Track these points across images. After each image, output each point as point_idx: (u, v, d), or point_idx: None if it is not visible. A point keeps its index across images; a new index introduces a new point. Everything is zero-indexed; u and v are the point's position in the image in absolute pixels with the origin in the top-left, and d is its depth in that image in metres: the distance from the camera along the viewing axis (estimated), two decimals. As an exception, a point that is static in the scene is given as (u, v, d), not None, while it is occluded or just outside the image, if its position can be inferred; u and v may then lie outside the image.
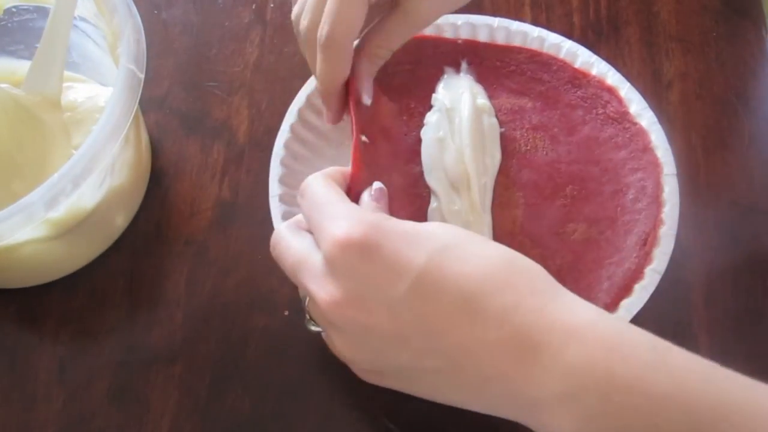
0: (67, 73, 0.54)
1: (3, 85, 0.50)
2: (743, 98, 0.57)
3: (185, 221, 0.53)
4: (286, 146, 0.52)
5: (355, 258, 0.35)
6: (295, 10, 0.47)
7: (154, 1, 0.61)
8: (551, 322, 0.34)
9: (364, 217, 0.36)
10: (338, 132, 0.54)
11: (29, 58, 0.50)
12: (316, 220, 0.38)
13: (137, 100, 0.45)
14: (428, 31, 0.56)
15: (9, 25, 0.54)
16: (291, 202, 0.51)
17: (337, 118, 0.48)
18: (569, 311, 0.34)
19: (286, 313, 0.50)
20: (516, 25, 0.55)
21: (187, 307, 0.51)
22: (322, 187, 0.39)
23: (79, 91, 0.54)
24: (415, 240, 0.35)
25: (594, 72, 0.54)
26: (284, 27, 0.60)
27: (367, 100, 0.47)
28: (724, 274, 0.51)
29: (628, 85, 0.54)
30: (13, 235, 0.41)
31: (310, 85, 0.54)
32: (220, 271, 0.52)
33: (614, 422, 0.32)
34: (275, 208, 0.50)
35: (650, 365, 0.32)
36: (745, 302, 0.50)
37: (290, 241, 0.39)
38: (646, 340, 0.34)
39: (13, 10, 0.53)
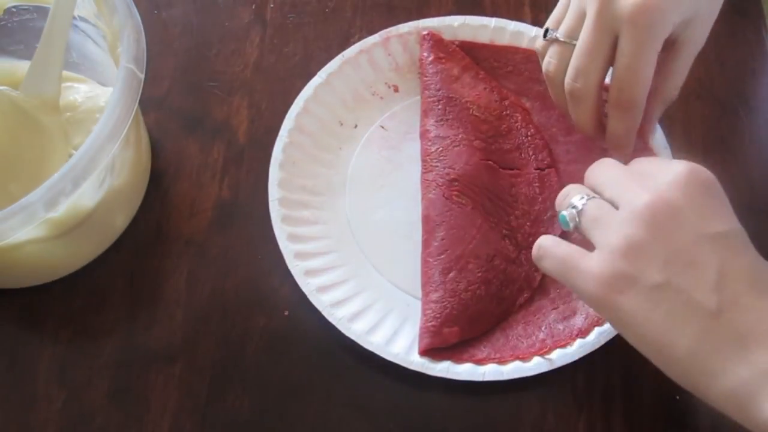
0: (67, 73, 0.54)
1: (1, 88, 0.50)
2: (743, 98, 0.57)
3: (185, 221, 0.53)
4: (285, 151, 0.53)
5: (697, 183, 0.39)
6: (551, 66, 0.47)
7: (154, 1, 0.61)
8: None
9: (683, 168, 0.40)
10: (334, 138, 0.55)
11: (29, 58, 0.50)
12: (650, 162, 0.41)
13: (137, 100, 0.45)
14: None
15: (9, 25, 0.54)
16: (290, 205, 0.52)
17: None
18: None
19: (286, 313, 0.50)
20: (513, 26, 0.56)
21: (187, 307, 0.51)
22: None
23: (79, 91, 0.54)
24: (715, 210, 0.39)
25: None
26: (284, 27, 0.60)
27: (652, 140, 0.49)
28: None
29: None
30: (13, 235, 0.41)
31: (308, 91, 0.55)
32: (220, 271, 0.52)
33: None
34: (275, 211, 0.51)
35: None
36: (745, 302, 0.50)
37: (613, 164, 0.42)
38: None
39: (13, 10, 0.53)
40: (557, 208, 0.44)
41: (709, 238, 0.37)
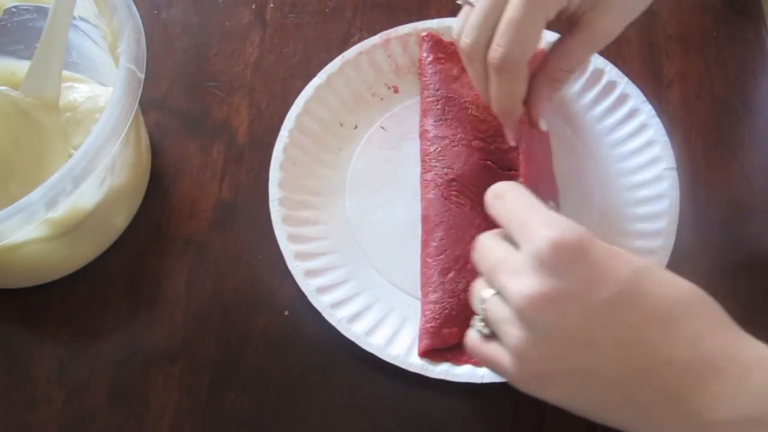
0: (67, 73, 0.54)
1: (1, 88, 0.50)
2: (743, 98, 0.57)
3: (185, 221, 0.53)
4: (285, 151, 0.53)
5: (564, 258, 0.36)
6: (457, 26, 0.46)
7: (154, 1, 0.61)
8: (737, 353, 0.35)
9: (574, 225, 0.37)
10: (335, 139, 0.55)
11: (29, 58, 0.50)
12: (522, 221, 0.38)
13: (137, 100, 0.45)
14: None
15: (9, 25, 0.54)
16: (290, 206, 0.51)
17: (518, 137, 0.48)
18: (751, 346, 0.36)
19: (286, 313, 0.50)
20: None
21: (187, 307, 0.51)
22: (524, 193, 0.40)
23: (79, 91, 0.54)
24: (619, 256, 0.37)
25: (592, 67, 0.55)
26: (284, 27, 0.60)
27: (543, 125, 0.47)
28: (724, 274, 0.51)
29: (626, 79, 0.54)
30: (13, 235, 0.41)
31: (309, 91, 0.55)
32: (220, 271, 0.52)
33: None
34: (275, 212, 0.51)
35: None
36: (745, 302, 0.50)
37: (493, 245, 0.40)
38: None
39: (13, 10, 0.53)
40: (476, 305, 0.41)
41: (598, 309, 0.35)
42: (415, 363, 0.47)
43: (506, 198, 0.40)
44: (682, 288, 0.37)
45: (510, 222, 0.39)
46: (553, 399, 0.38)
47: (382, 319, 0.49)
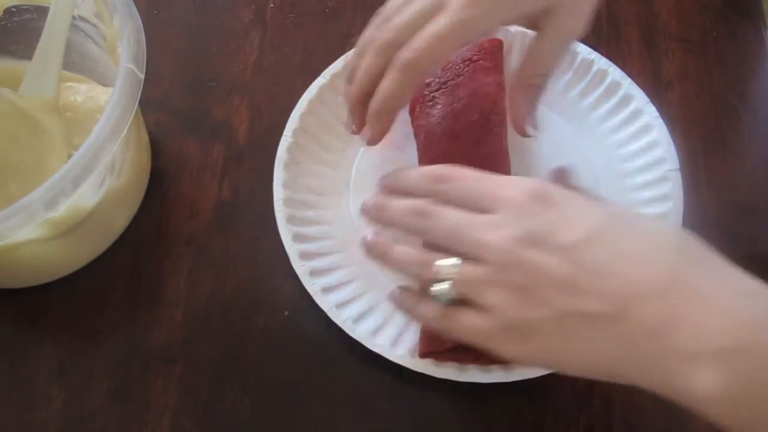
0: (67, 73, 0.54)
1: (0, 89, 0.50)
2: (743, 98, 0.57)
3: (185, 221, 0.53)
4: (289, 151, 0.53)
5: (537, 204, 0.37)
6: (382, 15, 0.47)
7: (154, 1, 0.61)
8: (718, 285, 0.35)
9: (538, 180, 0.39)
10: (338, 139, 0.55)
11: (29, 58, 0.50)
12: (483, 189, 0.40)
13: (137, 100, 0.45)
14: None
15: (9, 25, 0.54)
16: (294, 206, 0.51)
17: (374, 139, 0.47)
18: (735, 278, 0.36)
19: (286, 313, 0.50)
20: (514, 26, 0.55)
21: (187, 307, 0.51)
22: (468, 169, 0.41)
23: (79, 91, 0.54)
24: (590, 201, 0.38)
25: (595, 68, 0.55)
26: (284, 27, 0.60)
27: (532, 131, 0.47)
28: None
29: (629, 80, 0.54)
30: (12, 235, 0.41)
31: (312, 91, 0.55)
32: (220, 271, 0.52)
33: None
34: (279, 211, 0.51)
35: None
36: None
37: (442, 211, 0.40)
38: None
39: (13, 10, 0.53)
40: (421, 278, 0.41)
41: (577, 247, 0.36)
42: (420, 363, 0.47)
43: (454, 175, 0.41)
44: (661, 229, 0.38)
45: (467, 194, 0.40)
46: (536, 352, 0.38)
47: (387, 319, 0.49)
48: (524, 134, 0.47)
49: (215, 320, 0.50)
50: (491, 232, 0.38)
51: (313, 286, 0.49)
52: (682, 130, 0.55)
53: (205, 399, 0.48)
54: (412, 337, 0.48)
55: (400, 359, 0.47)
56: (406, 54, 0.43)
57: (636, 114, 0.53)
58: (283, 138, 0.53)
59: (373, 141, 0.48)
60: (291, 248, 0.50)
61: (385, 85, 0.45)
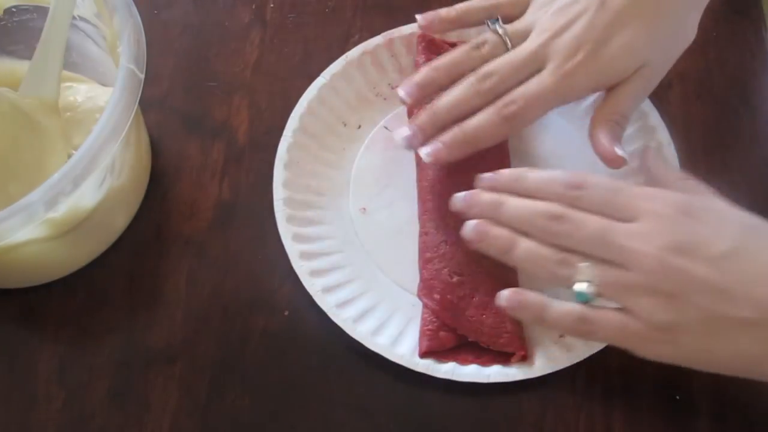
0: (67, 73, 0.54)
1: (0, 89, 0.50)
2: (743, 98, 0.57)
3: (185, 221, 0.53)
4: (289, 151, 0.53)
5: (681, 215, 0.41)
6: (475, 44, 0.49)
7: (154, 1, 0.61)
8: None
9: (679, 192, 0.43)
10: (338, 139, 0.55)
11: (29, 58, 0.50)
12: (621, 198, 0.42)
13: (137, 100, 0.45)
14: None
15: (9, 25, 0.54)
16: (295, 206, 0.51)
17: (442, 159, 0.48)
18: None
19: (286, 313, 0.50)
20: None
21: (187, 307, 0.51)
22: (599, 176, 0.44)
23: (79, 91, 0.54)
24: (726, 211, 0.42)
25: None
26: (284, 27, 0.60)
27: (623, 162, 0.48)
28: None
29: None
30: (13, 235, 0.41)
31: (312, 91, 0.55)
32: (220, 271, 0.52)
33: None
34: (280, 211, 0.51)
35: None
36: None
37: (583, 216, 0.42)
38: None
39: (13, 10, 0.53)
40: (558, 281, 0.43)
41: (720, 259, 0.39)
42: (421, 363, 0.47)
43: (588, 185, 0.43)
44: None
45: (611, 203, 0.42)
46: (681, 352, 0.40)
47: (387, 319, 0.49)
48: (615, 165, 0.48)
49: (215, 320, 0.50)
50: (637, 240, 0.40)
51: (313, 286, 0.49)
52: (682, 130, 0.55)
53: (205, 399, 0.48)
54: (412, 337, 0.48)
55: (400, 359, 0.47)
56: (512, 108, 0.46)
57: (636, 114, 0.53)
58: (283, 138, 0.53)
59: (439, 161, 0.48)
60: (291, 248, 0.50)
61: (483, 125, 0.47)
